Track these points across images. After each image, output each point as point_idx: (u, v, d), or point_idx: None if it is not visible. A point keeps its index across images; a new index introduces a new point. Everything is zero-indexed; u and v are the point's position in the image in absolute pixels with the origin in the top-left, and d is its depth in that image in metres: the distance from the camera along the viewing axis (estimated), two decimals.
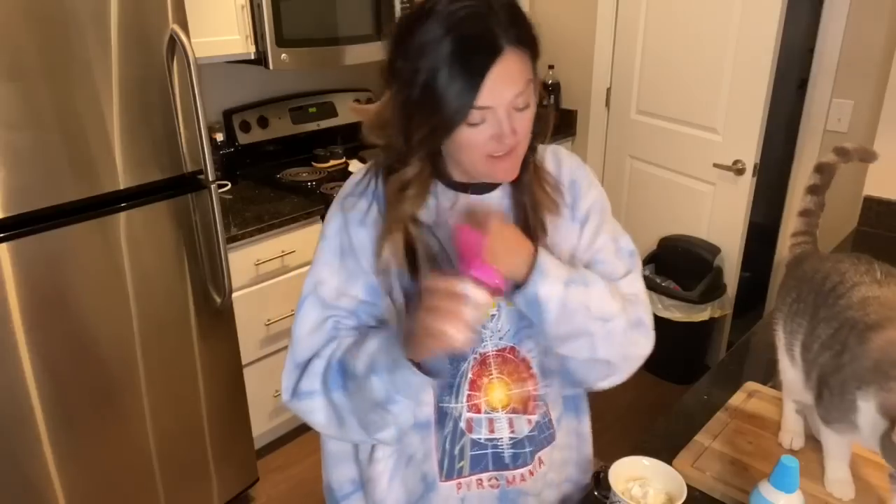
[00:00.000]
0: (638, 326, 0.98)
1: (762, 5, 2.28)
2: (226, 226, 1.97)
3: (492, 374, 0.99)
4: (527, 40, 0.84)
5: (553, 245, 0.98)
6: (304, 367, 0.96)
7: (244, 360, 2.16)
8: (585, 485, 1.13)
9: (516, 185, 0.97)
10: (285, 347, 2.49)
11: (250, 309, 2.20)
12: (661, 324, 2.87)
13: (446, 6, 0.81)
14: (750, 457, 1.08)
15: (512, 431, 1.01)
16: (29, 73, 1.46)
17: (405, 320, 0.89)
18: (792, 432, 1.10)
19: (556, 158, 1.03)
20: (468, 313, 0.77)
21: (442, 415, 0.99)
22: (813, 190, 1.24)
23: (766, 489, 0.87)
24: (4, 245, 1.49)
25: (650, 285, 2.69)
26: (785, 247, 2.73)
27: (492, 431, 1.00)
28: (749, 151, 2.46)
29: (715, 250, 2.66)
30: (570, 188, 1.02)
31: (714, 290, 2.63)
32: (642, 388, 2.66)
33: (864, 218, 2.14)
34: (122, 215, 1.69)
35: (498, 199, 0.98)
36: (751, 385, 1.26)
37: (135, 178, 1.70)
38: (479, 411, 0.99)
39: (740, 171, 2.49)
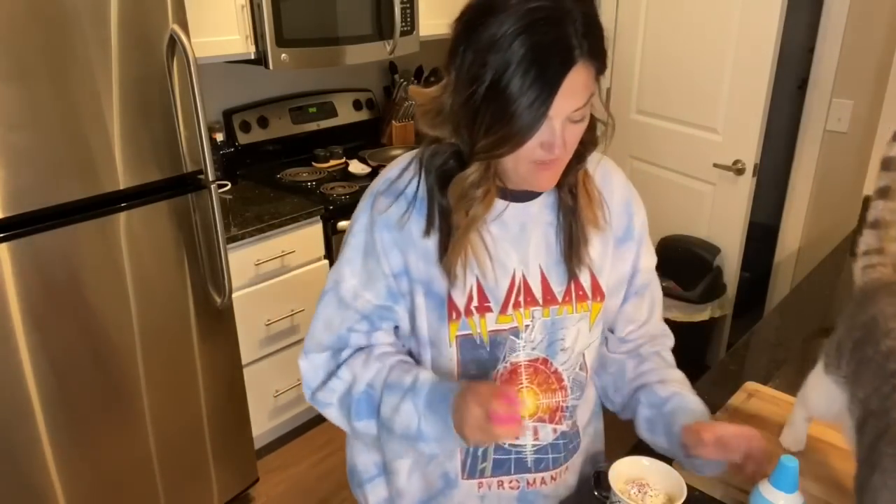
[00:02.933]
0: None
1: (762, 5, 2.27)
2: (226, 226, 1.97)
3: (521, 384, 0.98)
4: (598, 53, 0.81)
5: (598, 262, 0.98)
6: (326, 376, 0.97)
7: (244, 360, 2.16)
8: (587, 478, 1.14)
9: (558, 189, 0.95)
10: (285, 347, 2.52)
11: (250, 309, 2.20)
12: None
13: (523, 2, 0.76)
14: None
15: (536, 439, 1.02)
16: (29, 73, 1.46)
17: (456, 399, 0.87)
18: (795, 436, 1.10)
19: (606, 173, 1.01)
20: (516, 430, 0.82)
21: None
22: (883, 193, 1.01)
23: (766, 489, 0.87)
24: (4, 245, 1.49)
25: None
26: (785, 247, 2.74)
27: (516, 437, 1.01)
28: (749, 151, 2.45)
29: (715, 250, 2.66)
30: (626, 208, 1.02)
31: (714, 290, 2.63)
32: None
33: (865, 218, 2.13)
34: (122, 215, 1.69)
35: (539, 207, 0.96)
36: (751, 385, 1.26)
37: (135, 178, 1.70)
38: None
39: (740, 171, 2.49)
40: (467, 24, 0.80)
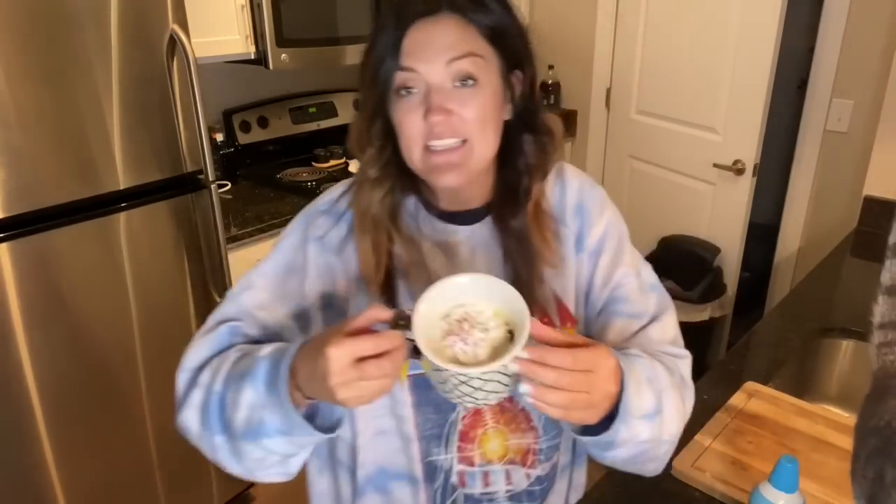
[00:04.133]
0: (687, 398, 0.83)
1: (762, 5, 2.27)
2: (226, 226, 1.97)
3: (487, 425, 0.87)
4: (481, 16, 0.75)
5: (560, 288, 0.85)
6: (188, 388, 0.79)
7: None
8: None
9: (503, 223, 0.83)
10: None
11: None
12: None
13: None
14: (750, 457, 1.08)
15: (509, 484, 0.90)
16: (29, 73, 1.46)
17: (300, 358, 0.68)
18: None
19: (561, 182, 0.88)
20: (394, 373, 0.63)
21: (430, 468, 0.88)
22: None
23: (766, 489, 0.87)
24: (4, 245, 1.49)
25: None
26: (785, 247, 2.74)
27: (487, 485, 0.89)
28: (749, 151, 2.45)
29: (715, 250, 2.65)
30: (577, 214, 0.87)
31: (714, 290, 2.63)
32: None
33: (864, 218, 2.14)
34: (122, 215, 1.69)
35: (477, 235, 0.84)
36: (751, 385, 1.26)
37: (135, 178, 1.70)
38: (472, 464, 0.88)
39: (740, 171, 2.49)
40: None
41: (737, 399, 1.22)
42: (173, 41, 1.68)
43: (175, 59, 1.70)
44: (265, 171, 2.66)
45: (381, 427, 0.87)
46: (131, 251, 1.72)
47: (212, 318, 0.85)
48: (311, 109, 2.88)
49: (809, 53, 2.53)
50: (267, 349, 0.74)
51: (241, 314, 0.83)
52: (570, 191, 0.88)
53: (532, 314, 0.65)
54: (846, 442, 1.09)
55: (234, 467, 0.78)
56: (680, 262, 2.73)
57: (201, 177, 1.83)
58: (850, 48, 2.37)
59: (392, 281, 0.81)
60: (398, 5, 0.75)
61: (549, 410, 0.63)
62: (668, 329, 0.89)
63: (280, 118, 2.77)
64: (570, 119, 3.22)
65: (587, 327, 0.89)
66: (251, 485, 2.26)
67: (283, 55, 2.26)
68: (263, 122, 2.71)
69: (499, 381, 0.64)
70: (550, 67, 3.16)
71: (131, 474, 1.87)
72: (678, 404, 0.78)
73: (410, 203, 0.85)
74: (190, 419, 0.78)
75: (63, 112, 1.53)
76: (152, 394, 1.85)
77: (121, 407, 1.80)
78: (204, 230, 1.88)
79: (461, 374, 0.63)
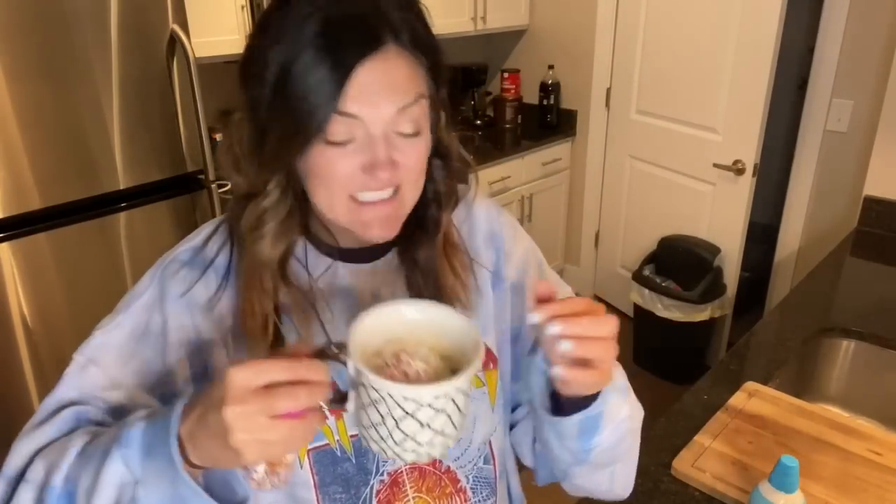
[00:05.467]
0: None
1: (762, 5, 2.28)
2: None
3: (407, 496, 0.75)
4: (423, 45, 0.63)
5: (479, 322, 0.75)
6: (9, 491, 0.62)
7: None
8: None
9: (409, 258, 0.72)
10: None
11: None
12: (661, 324, 2.84)
13: None
14: (750, 457, 1.08)
15: None
16: (29, 73, 1.46)
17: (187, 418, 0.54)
18: None
19: (467, 208, 0.79)
20: (317, 396, 0.51)
21: None
22: None
23: (766, 489, 0.87)
24: (4, 245, 1.49)
25: (650, 285, 2.69)
26: (785, 247, 2.74)
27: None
28: (749, 151, 2.46)
29: (715, 250, 2.66)
30: (490, 243, 0.79)
31: (714, 290, 2.63)
32: (642, 388, 2.64)
33: (864, 218, 2.14)
34: (122, 215, 1.69)
35: (379, 275, 0.73)
36: (751, 385, 1.26)
37: (135, 178, 1.70)
38: None
39: (740, 171, 2.50)
40: (258, 27, 0.64)
41: (737, 399, 1.22)
42: (173, 41, 1.68)
43: (175, 59, 1.70)
44: None
45: None
46: (131, 251, 1.72)
47: (45, 405, 0.67)
48: None
49: (809, 53, 2.54)
50: (141, 413, 0.60)
51: (85, 397, 0.67)
52: (478, 219, 0.79)
53: None
54: (846, 442, 1.09)
55: None
56: (680, 262, 2.73)
57: (202, 177, 1.83)
58: (850, 48, 2.37)
59: (278, 341, 0.68)
60: (327, 34, 0.59)
61: (584, 376, 0.56)
62: None
63: None
64: (570, 119, 3.23)
65: (516, 367, 0.80)
66: None
67: None
68: None
69: (449, 417, 0.54)
70: (550, 67, 3.16)
71: None
72: (637, 411, 0.73)
73: (298, 244, 0.71)
74: None
75: (63, 112, 1.53)
76: None
77: None
78: None
79: (411, 400, 0.52)
